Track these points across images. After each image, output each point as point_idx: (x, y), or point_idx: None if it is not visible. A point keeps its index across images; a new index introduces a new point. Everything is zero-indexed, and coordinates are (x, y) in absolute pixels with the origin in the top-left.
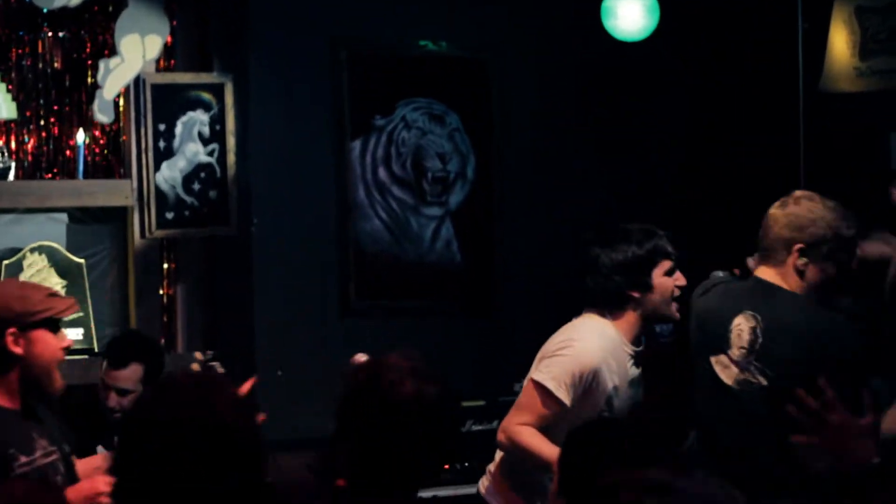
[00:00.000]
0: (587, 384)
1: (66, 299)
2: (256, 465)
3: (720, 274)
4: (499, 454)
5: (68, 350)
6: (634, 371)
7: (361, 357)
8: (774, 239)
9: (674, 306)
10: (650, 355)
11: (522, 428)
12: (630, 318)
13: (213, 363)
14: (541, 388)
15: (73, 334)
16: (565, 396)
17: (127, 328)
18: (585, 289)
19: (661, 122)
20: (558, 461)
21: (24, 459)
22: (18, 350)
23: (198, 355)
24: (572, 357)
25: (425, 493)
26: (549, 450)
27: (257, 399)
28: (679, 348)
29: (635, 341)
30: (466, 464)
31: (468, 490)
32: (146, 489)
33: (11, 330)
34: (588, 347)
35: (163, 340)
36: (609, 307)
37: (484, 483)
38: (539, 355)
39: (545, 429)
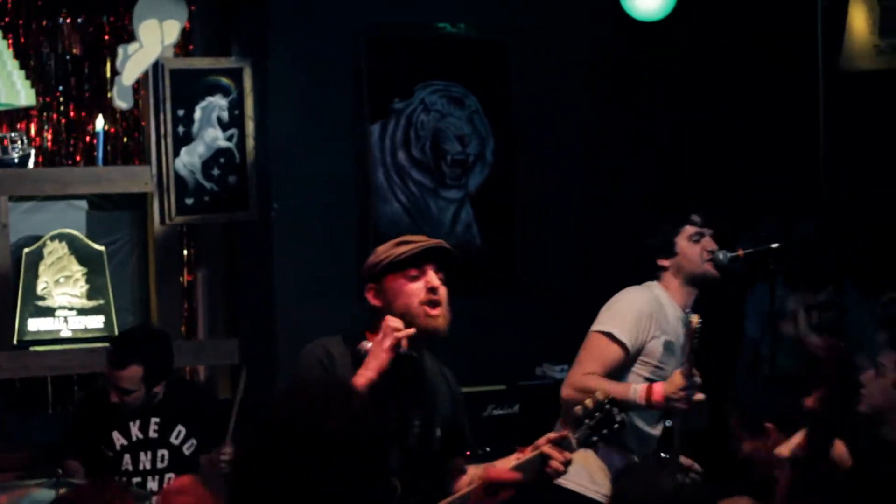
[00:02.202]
0: (644, 329)
1: (413, 243)
2: (369, 476)
3: (721, 256)
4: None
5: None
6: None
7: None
8: None
9: (706, 266)
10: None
11: (589, 376)
12: (671, 283)
13: None
14: (602, 336)
15: (94, 322)
16: (627, 338)
17: (148, 318)
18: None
19: (680, 102)
20: None
21: None
22: (377, 302)
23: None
24: (623, 303)
25: None
26: (619, 387)
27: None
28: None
29: (687, 309)
30: (488, 449)
31: None
32: (263, 495)
33: (369, 286)
34: (636, 294)
35: (184, 328)
36: (655, 276)
37: None
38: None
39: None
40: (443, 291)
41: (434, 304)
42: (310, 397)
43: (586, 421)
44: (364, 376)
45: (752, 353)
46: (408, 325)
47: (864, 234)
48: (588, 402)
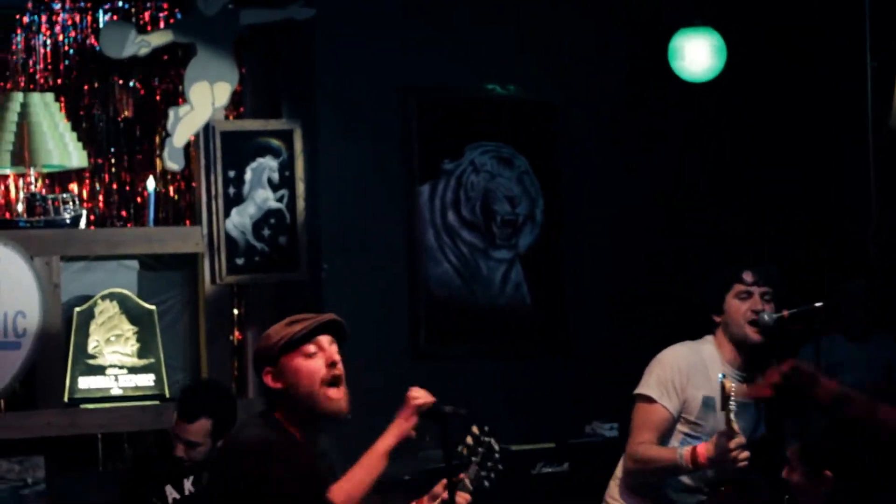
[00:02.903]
0: (680, 386)
1: (307, 320)
2: None
3: (766, 317)
4: (612, 482)
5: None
6: (741, 394)
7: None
8: None
9: (748, 329)
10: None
11: (641, 445)
12: (722, 339)
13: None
14: (645, 400)
15: (145, 380)
16: (666, 400)
17: (200, 376)
18: None
19: (730, 164)
20: None
21: None
22: (279, 385)
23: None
24: (660, 363)
25: None
26: (666, 453)
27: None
28: None
29: (739, 367)
30: None
31: None
32: None
33: (267, 370)
34: (671, 352)
35: (234, 386)
36: (710, 330)
37: None
38: None
39: (663, 442)
40: (341, 366)
41: (336, 382)
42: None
43: (472, 459)
44: (385, 443)
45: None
46: (311, 407)
47: None
48: (468, 439)
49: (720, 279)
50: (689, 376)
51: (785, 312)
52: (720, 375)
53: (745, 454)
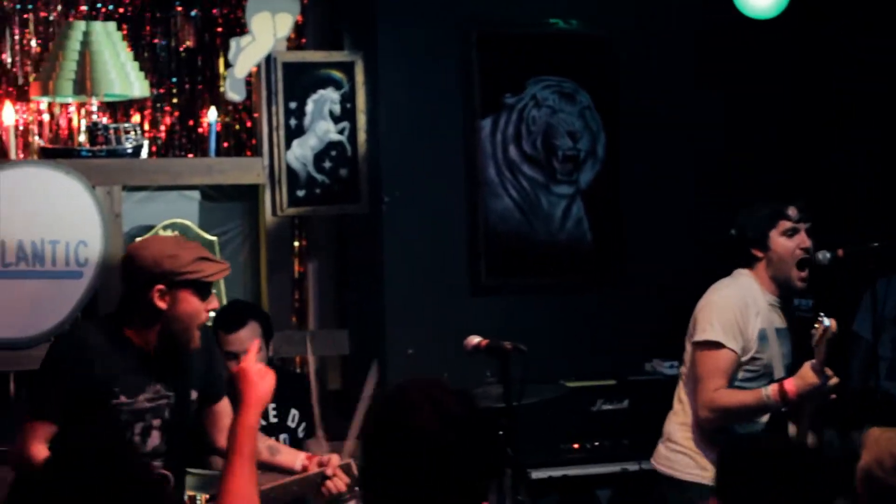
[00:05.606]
0: (744, 325)
1: (217, 263)
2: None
3: (820, 256)
4: (672, 425)
5: (213, 312)
6: (780, 322)
7: (474, 339)
8: None
9: (795, 273)
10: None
11: (717, 392)
12: (762, 274)
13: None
14: (712, 347)
15: None
16: (733, 343)
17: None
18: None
19: (788, 100)
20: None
21: (123, 399)
22: (162, 305)
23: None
24: (716, 306)
25: (555, 473)
26: (750, 396)
27: (387, 377)
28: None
29: (779, 296)
30: (596, 443)
31: (596, 470)
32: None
33: (159, 286)
34: (723, 293)
35: (294, 318)
36: (744, 264)
37: (664, 454)
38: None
39: (730, 385)
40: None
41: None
42: (422, 394)
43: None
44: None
45: (867, 354)
46: (179, 340)
47: None
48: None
49: (765, 215)
50: (748, 313)
51: (840, 251)
52: (823, 319)
53: (836, 380)
